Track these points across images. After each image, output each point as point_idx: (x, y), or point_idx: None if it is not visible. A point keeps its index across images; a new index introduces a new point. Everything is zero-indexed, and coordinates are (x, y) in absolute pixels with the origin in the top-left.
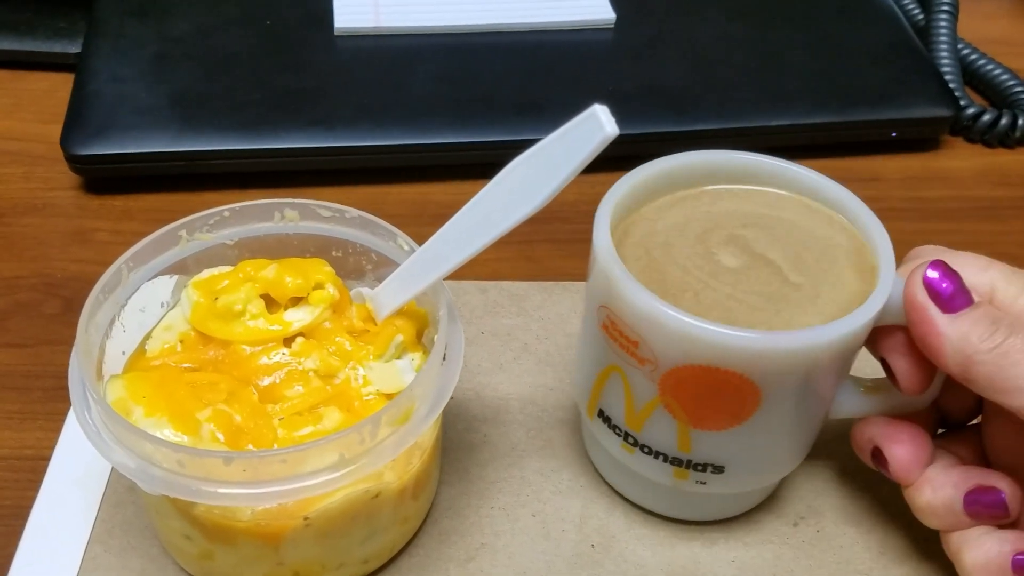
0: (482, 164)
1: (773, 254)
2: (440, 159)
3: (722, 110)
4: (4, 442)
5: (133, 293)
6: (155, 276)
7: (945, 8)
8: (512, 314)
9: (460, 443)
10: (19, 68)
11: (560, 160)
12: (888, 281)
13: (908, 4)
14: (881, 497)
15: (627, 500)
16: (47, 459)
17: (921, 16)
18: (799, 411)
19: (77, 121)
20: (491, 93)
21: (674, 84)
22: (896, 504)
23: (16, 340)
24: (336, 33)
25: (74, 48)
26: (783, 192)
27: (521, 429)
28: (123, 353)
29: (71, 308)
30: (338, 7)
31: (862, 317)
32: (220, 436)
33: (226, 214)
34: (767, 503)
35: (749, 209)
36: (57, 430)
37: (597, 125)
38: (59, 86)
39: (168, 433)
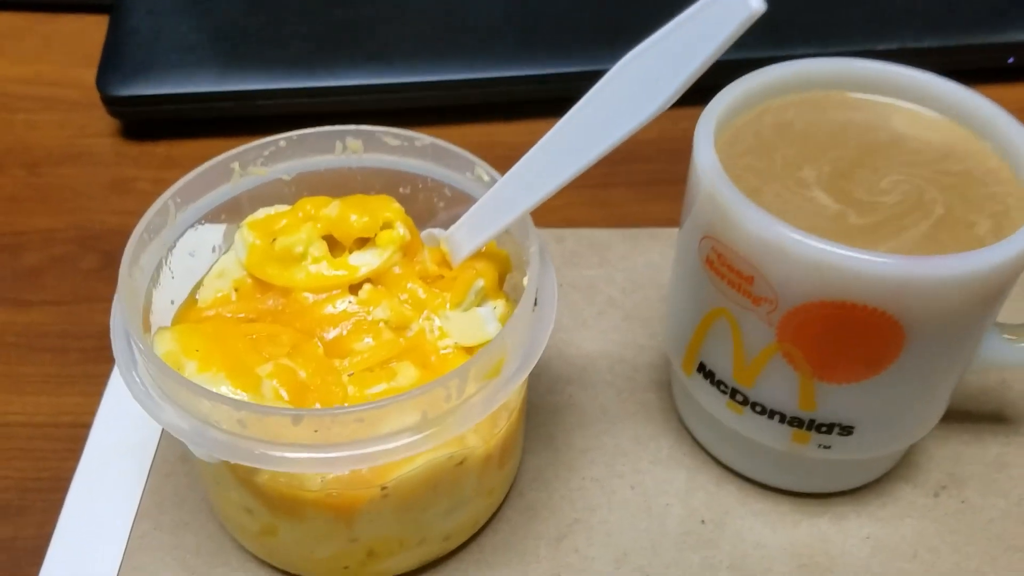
0: (554, 99)
1: (911, 174)
2: (509, 94)
3: (823, 35)
4: (40, 408)
5: (181, 235)
6: (205, 217)
7: None
8: (594, 264)
9: (543, 406)
10: (48, 10)
11: (690, 47)
12: None
13: None
14: None
15: (734, 471)
16: (87, 426)
17: None
18: (946, 357)
19: (114, 60)
20: (563, 21)
21: (770, 8)
22: None
23: (52, 298)
24: None
25: None
26: (918, 107)
27: (611, 391)
28: (172, 303)
29: (111, 263)
30: None
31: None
32: (284, 394)
33: (282, 144)
34: (899, 471)
35: (879, 123)
36: (98, 394)
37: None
38: (91, 28)
39: (225, 390)
